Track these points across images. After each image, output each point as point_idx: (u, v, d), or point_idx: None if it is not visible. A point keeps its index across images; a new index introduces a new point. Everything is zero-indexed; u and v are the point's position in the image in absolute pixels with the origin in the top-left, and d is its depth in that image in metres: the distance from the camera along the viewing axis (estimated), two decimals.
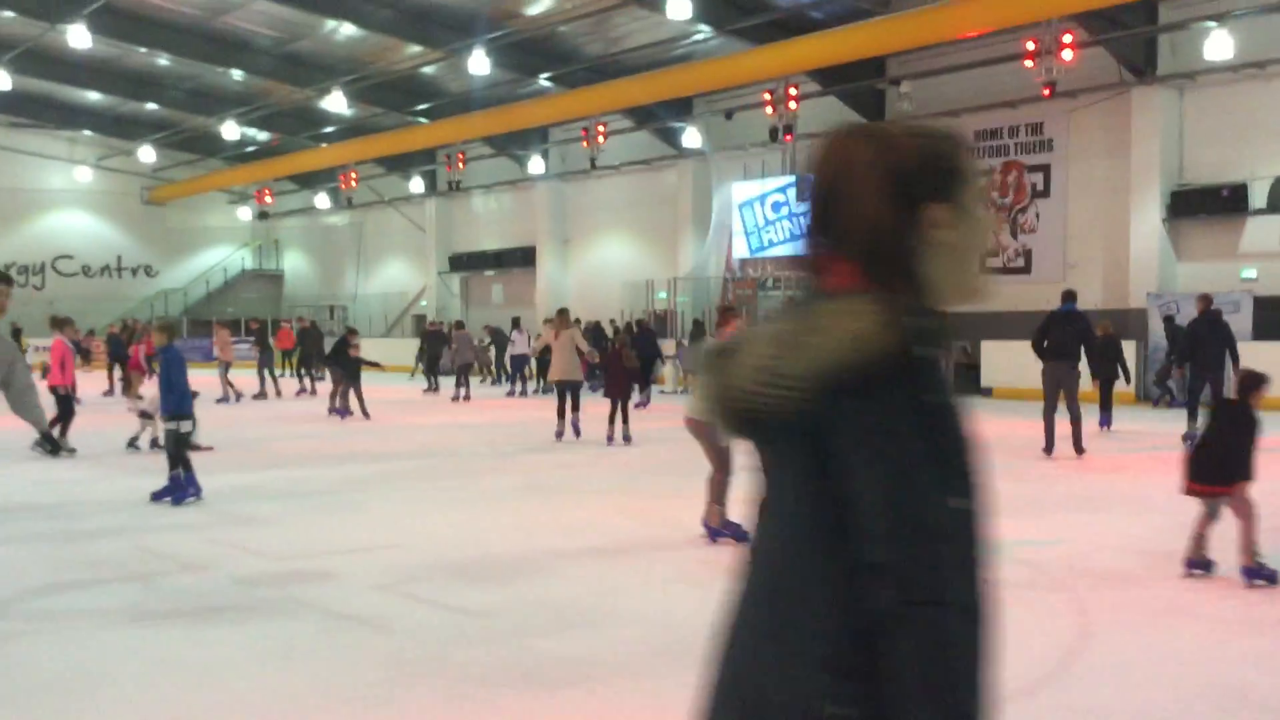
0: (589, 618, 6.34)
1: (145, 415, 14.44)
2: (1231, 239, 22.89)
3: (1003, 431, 16.47)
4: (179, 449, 10.26)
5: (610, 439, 15.35)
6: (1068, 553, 7.98)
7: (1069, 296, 14.13)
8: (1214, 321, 15.41)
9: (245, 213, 48.09)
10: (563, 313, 16.54)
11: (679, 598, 6.79)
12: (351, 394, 19.37)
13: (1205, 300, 15.87)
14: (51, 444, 8.74)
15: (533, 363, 26.02)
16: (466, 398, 24.45)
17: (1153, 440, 15.32)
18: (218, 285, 48.84)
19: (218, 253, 49.54)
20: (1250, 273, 22.46)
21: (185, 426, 10.17)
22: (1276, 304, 21.14)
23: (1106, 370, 16.37)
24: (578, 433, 15.81)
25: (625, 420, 15.41)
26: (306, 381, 26.27)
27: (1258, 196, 22.28)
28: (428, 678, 5.32)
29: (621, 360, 15.77)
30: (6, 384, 6.88)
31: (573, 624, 6.22)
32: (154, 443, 13.98)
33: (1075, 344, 13.61)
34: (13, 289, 7.14)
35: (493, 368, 31.87)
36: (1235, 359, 14.79)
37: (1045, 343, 13.37)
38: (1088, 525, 9.13)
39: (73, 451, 13.74)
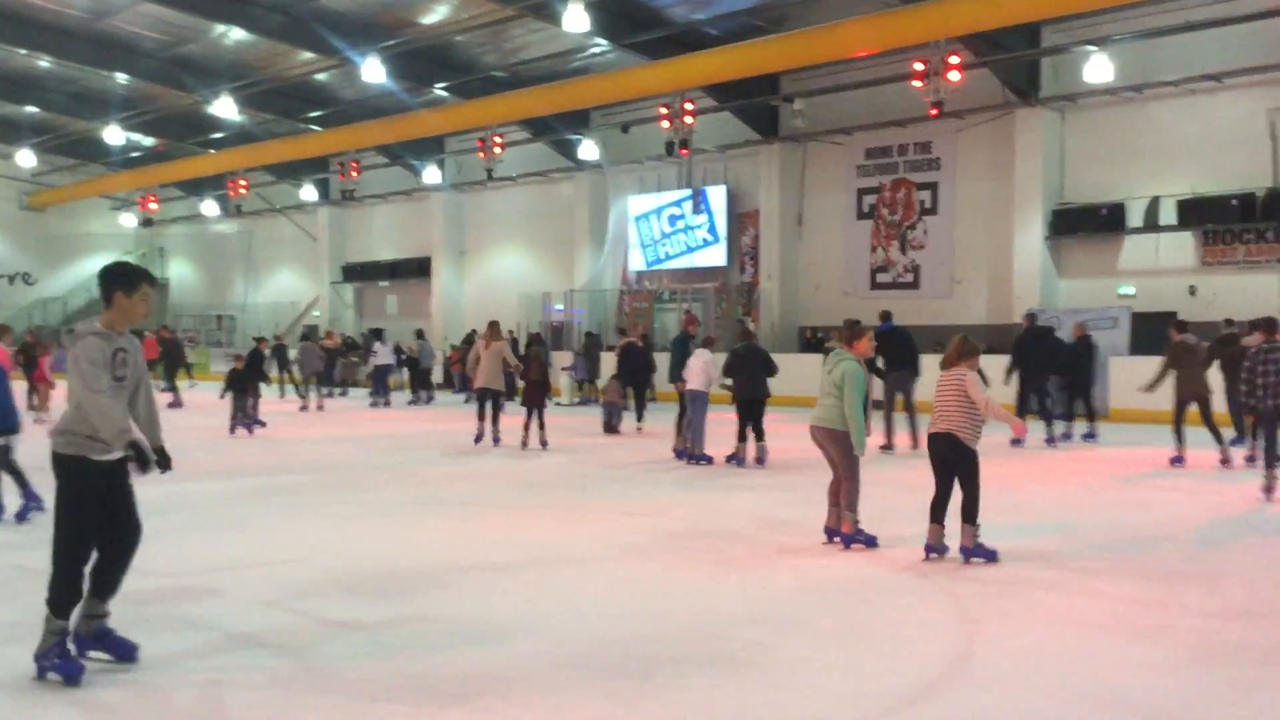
0: (484, 632, 6.29)
1: None
2: (1110, 256, 23.71)
3: (900, 443, 16.81)
4: (6, 464, 9.94)
5: (525, 444, 16.15)
6: (952, 560, 8.16)
7: (886, 316, 16.45)
8: (1040, 336, 16.96)
9: (129, 219, 46.71)
10: (494, 325, 17.31)
11: (576, 612, 6.78)
12: (234, 404, 18.91)
13: (1030, 318, 17.67)
14: None
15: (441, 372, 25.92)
16: (304, 408, 24.54)
17: (1020, 448, 15.76)
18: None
19: (100, 260, 47.77)
20: (1128, 289, 23.29)
21: (9, 441, 9.87)
22: (1153, 320, 21.93)
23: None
24: (496, 440, 16.41)
25: (541, 427, 16.24)
26: (169, 395, 25.36)
27: (1135, 215, 23.14)
28: (319, 695, 5.22)
29: (536, 370, 16.72)
30: None
31: (467, 639, 6.17)
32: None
33: (908, 353, 15.86)
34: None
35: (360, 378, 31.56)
36: (1057, 371, 16.88)
37: (882, 357, 15.34)
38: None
39: None
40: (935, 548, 8.18)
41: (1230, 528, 9.62)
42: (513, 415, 17.20)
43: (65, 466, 5.48)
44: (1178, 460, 13.61)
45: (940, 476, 8.22)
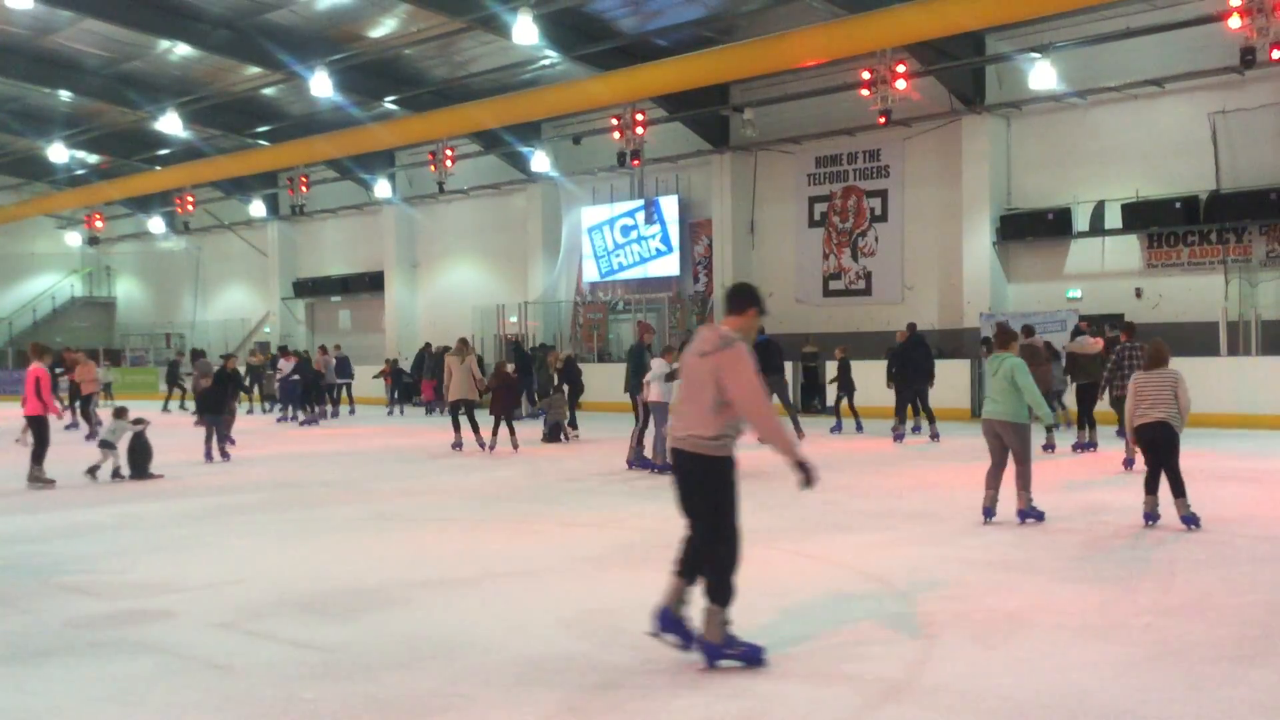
0: (443, 648, 6.24)
1: (107, 445, 14.39)
2: (1057, 260, 24.02)
3: (854, 448, 16.91)
4: None
5: (492, 447, 17.67)
6: (911, 565, 8.21)
7: (762, 331, 17.33)
8: (918, 344, 18.78)
9: (75, 238, 46.10)
10: (463, 342, 18.81)
11: (536, 625, 6.74)
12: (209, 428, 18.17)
13: (911, 328, 19.37)
14: None
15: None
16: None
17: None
18: (45, 314, 46.68)
19: (45, 280, 47.39)
20: (1075, 293, 23.59)
21: None
22: (1099, 322, 22.22)
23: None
24: (483, 445, 17.76)
25: (511, 432, 17.87)
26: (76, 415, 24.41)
27: (1080, 220, 23.46)
28: (275, 717, 5.15)
29: (504, 380, 18.64)
30: None
31: (426, 655, 6.11)
32: (115, 473, 14.29)
33: (777, 358, 18.35)
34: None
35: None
36: (931, 375, 18.50)
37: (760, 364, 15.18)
38: (927, 539, 9.41)
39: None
40: (1150, 514, 9.79)
41: (1176, 527, 9.74)
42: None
43: (724, 467, 5.84)
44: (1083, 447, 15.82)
45: (1150, 457, 9.83)
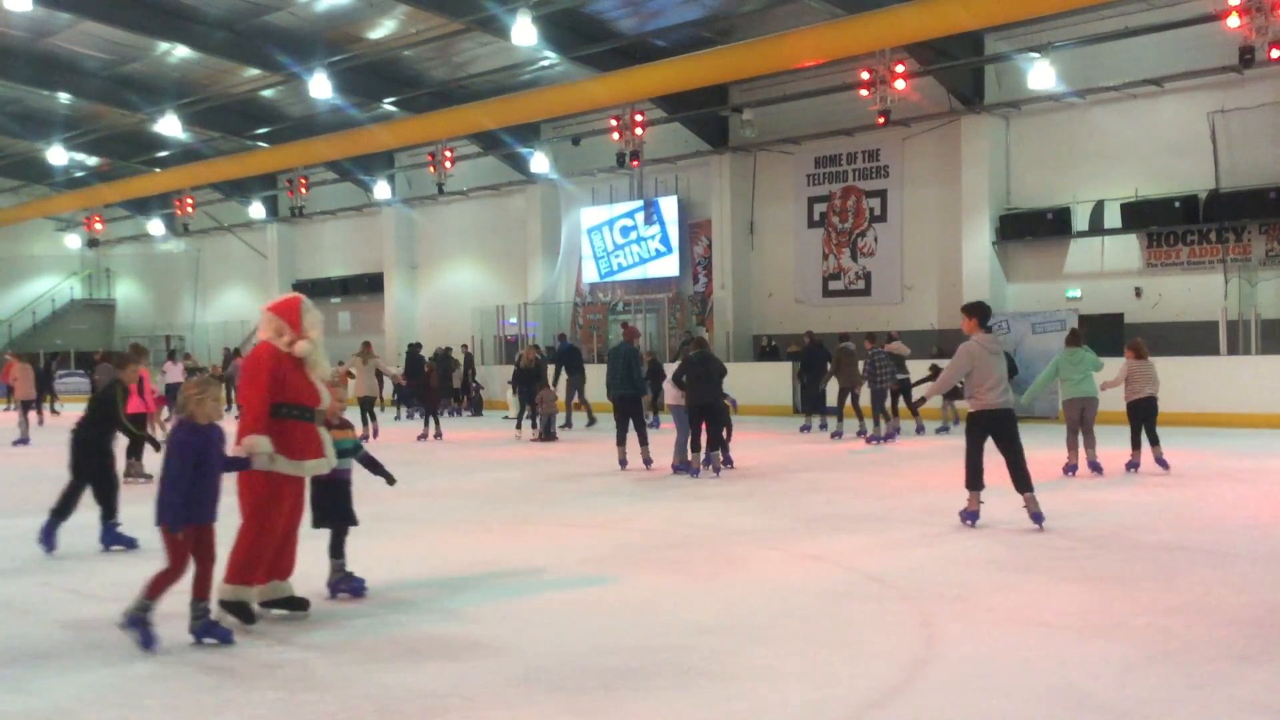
0: (443, 649, 6.23)
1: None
2: (1056, 260, 24.03)
3: (853, 449, 16.93)
4: None
5: (438, 435, 20.88)
6: (910, 565, 8.21)
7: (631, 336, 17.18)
8: (819, 347, 21.25)
9: (74, 240, 46.08)
10: (367, 345, 22.45)
11: (536, 626, 6.74)
12: None
13: (810, 334, 22.45)
14: None
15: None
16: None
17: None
18: (45, 316, 46.67)
19: (45, 282, 47.37)
20: (1074, 292, 23.60)
21: None
22: (1099, 322, 22.24)
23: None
24: (376, 435, 20.35)
25: (437, 423, 21.30)
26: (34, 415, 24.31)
27: (1080, 219, 23.47)
28: (275, 718, 5.15)
29: (429, 380, 23.48)
30: None
31: (426, 657, 6.11)
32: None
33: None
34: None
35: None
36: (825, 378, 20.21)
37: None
38: (927, 539, 9.41)
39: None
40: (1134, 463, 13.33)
41: (1176, 527, 9.75)
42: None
43: None
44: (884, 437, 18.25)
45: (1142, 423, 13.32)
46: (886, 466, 14.93)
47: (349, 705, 5.30)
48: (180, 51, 29.18)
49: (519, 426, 21.09)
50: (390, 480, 8.04)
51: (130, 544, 9.52)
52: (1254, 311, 20.96)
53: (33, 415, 23.82)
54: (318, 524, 7.55)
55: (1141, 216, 22.42)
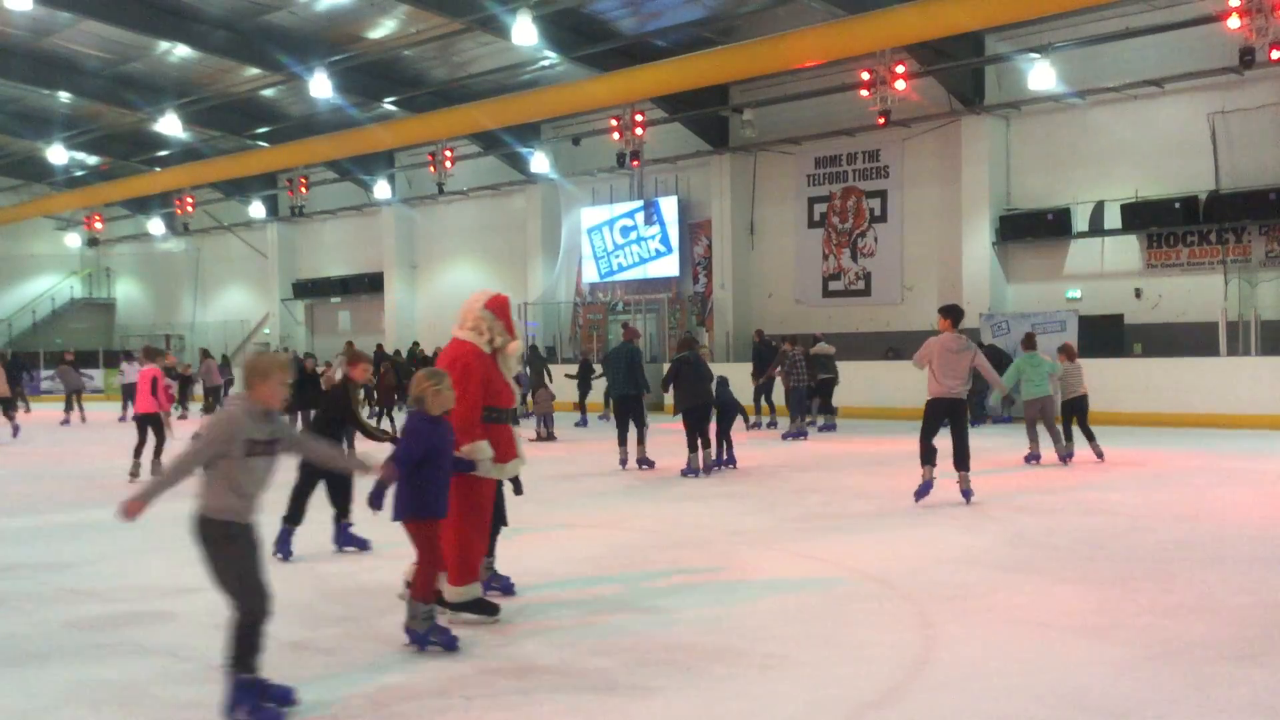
0: (441, 650, 6.22)
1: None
2: (1056, 261, 24.02)
3: (853, 449, 16.93)
4: None
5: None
6: (910, 565, 8.22)
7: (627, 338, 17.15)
8: (768, 346, 22.56)
9: (74, 240, 46.08)
10: (349, 345, 21.95)
11: (536, 626, 6.74)
12: None
13: (759, 333, 23.97)
14: None
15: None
16: (66, 421, 26.00)
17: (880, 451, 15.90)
18: (45, 315, 46.67)
19: (44, 281, 47.37)
20: (1074, 293, 23.60)
21: None
22: (1099, 323, 22.25)
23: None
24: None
25: (391, 420, 22.21)
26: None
27: (1080, 220, 23.46)
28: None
29: (384, 379, 23.73)
30: None
31: (424, 656, 6.11)
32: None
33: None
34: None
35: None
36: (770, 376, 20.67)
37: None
38: (927, 539, 9.41)
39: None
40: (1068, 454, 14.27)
41: (1176, 527, 9.75)
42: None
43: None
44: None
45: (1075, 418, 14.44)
46: (887, 466, 14.92)
47: (349, 704, 5.30)
48: (180, 51, 29.18)
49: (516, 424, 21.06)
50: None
51: (363, 545, 9.31)
52: (1254, 312, 20.96)
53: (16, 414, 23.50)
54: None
55: (1142, 217, 22.41)
